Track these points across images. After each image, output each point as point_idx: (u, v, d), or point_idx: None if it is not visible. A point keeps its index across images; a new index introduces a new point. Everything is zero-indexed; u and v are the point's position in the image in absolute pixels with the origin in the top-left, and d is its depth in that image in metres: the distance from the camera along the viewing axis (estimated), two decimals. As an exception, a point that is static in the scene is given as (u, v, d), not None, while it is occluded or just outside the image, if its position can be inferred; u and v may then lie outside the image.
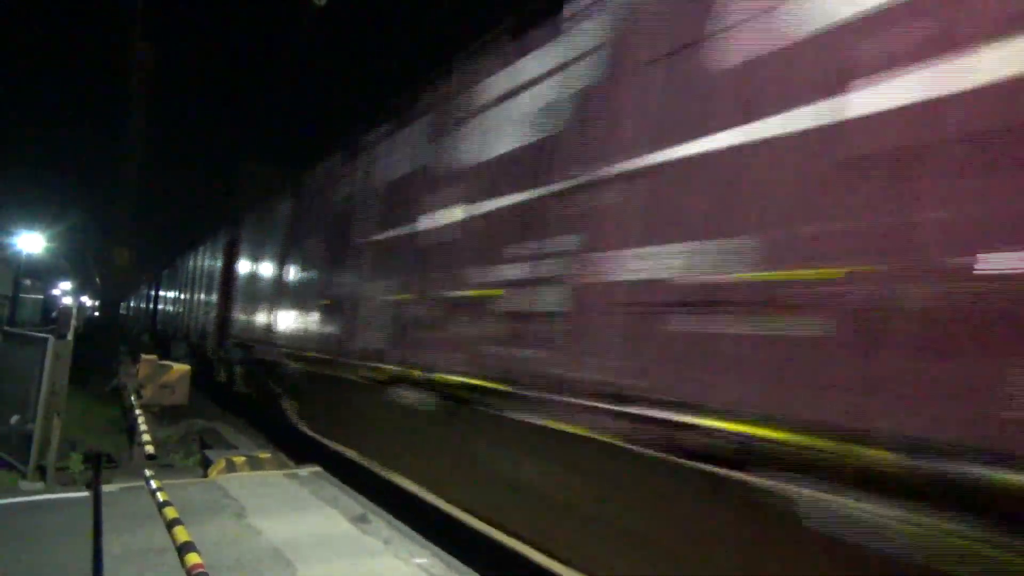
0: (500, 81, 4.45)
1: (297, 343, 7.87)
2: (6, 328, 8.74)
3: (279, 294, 9.12)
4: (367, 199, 6.51)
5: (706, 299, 2.62)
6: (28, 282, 34.93)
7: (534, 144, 3.96)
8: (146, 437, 6.90)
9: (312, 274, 7.93)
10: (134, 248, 38.76)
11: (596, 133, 3.46)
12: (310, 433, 7.82)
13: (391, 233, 5.83)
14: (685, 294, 2.73)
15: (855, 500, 1.93)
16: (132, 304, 39.90)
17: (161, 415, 10.55)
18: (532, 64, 4.11)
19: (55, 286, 48.41)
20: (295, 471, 7.05)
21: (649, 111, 3.10)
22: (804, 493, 2.07)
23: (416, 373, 4.81)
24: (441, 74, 5.32)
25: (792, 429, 2.15)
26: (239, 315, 11.30)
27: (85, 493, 5.69)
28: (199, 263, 15.81)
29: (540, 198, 3.81)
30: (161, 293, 23.59)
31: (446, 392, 4.43)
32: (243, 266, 11.56)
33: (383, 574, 4.34)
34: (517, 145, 4.13)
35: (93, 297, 57.79)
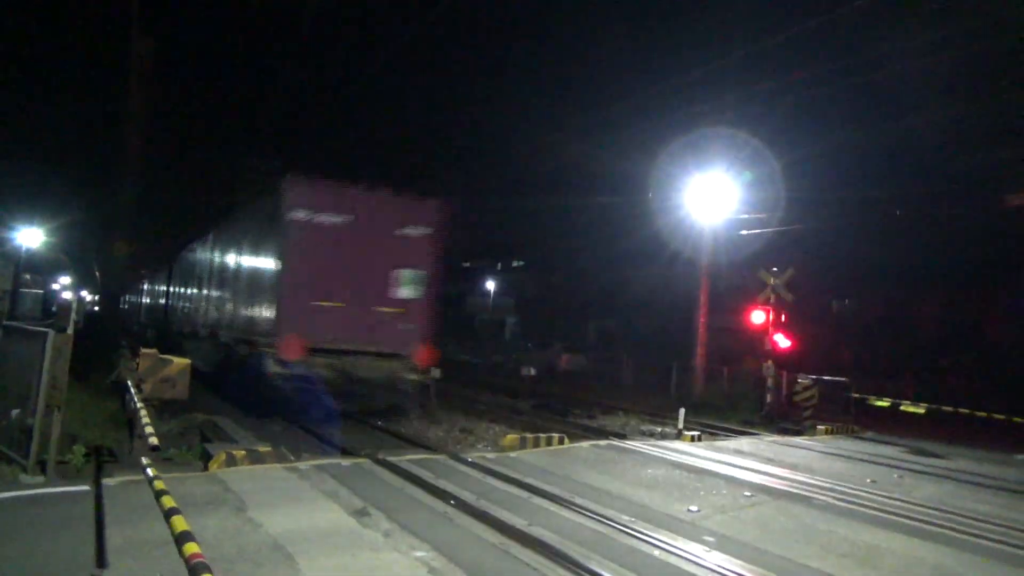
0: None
1: (187, 323, 19.57)
2: (6, 322, 8.74)
3: (180, 301, 21.96)
4: (191, 270, 20.43)
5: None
6: (28, 277, 34.96)
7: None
8: (149, 429, 6.90)
9: (189, 293, 20.23)
10: (133, 244, 38.76)
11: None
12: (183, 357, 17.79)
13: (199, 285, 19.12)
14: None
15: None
16: (128, 299, 40.49)
17: (161, 409, 10.56)
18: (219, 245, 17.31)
19: (55, 281, 48.41)
20: (295, 465, 7.07)
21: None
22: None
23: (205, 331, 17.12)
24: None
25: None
26: (173, 309, 23.41)
27: (86, 487, 5.71)
28: (161, 277, 27.16)
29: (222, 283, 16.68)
30: (147, 288, 32.67)
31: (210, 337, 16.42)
32: (173, 284, 23.47)
33: (383, 567, 4.36)
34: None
35: (93, 292, 57.85)
